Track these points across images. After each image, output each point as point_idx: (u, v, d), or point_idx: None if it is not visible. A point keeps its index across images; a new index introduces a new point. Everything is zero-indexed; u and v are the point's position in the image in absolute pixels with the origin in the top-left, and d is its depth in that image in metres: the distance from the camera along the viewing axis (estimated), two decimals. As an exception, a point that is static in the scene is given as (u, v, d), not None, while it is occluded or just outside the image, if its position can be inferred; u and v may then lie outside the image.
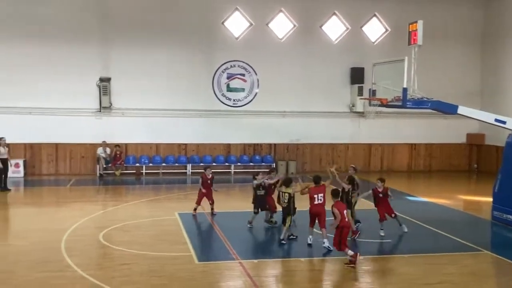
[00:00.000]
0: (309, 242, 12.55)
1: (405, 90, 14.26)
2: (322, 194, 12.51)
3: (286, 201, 12.99)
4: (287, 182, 13.18)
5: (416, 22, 14.78)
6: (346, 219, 11.48)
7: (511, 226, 14.88)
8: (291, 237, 13.08)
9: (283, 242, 12.82)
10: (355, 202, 13.94)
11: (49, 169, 23.65)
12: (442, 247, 12.81)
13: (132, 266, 11.04)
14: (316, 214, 12.50)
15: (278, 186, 13.72)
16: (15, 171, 22.19)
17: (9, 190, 19.83)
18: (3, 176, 19.78)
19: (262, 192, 14.31)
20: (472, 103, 23.28)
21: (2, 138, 19.91)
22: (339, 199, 11.94)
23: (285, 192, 13.05)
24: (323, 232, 12.41)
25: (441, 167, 26.93)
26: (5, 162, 19.84)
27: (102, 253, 12.19)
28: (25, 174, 22.87)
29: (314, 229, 12.64)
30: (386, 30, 25.98)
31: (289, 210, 12.94)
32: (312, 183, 12.93)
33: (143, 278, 10.39)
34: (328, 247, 12.11)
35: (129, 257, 11.58)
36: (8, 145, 20.39)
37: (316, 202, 12.44)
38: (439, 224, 14.92)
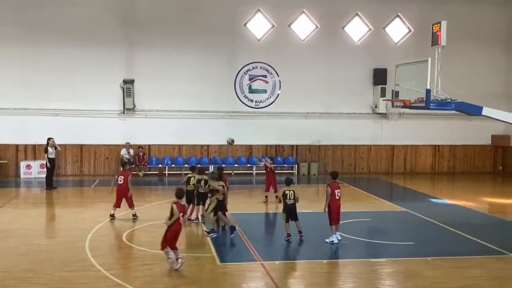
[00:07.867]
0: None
1: (428, 91, 14.11)
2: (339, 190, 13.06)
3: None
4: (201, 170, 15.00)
5: (439, 22, 14.62)
6: None
7: (537, 229, 14.63)
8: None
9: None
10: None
11: (74, 169, 24.02)
12: (466, 250, 12.66)
13: (154, 266, 11.13)
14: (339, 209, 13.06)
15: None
16: (41, 172, 22.50)
17: (55, 188, 20.43)
18: (51, 175, 20.51)
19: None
20: (497, 104, 22.76)
21: (51, 138, 20.52)
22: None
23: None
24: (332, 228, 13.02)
25: (465, 169, 26.57)
26: (52, 161, 20.48)
27: (125, 253, 12.32)
28: (50, 174, 23.26)
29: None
30: (409, 30, 25.73)
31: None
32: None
33: (165, 279, 10.49)
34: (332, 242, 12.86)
35: (151, 258, 11.68)
36: (56, 146, 20.83)
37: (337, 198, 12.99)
38: (463, 226, 14.74)
